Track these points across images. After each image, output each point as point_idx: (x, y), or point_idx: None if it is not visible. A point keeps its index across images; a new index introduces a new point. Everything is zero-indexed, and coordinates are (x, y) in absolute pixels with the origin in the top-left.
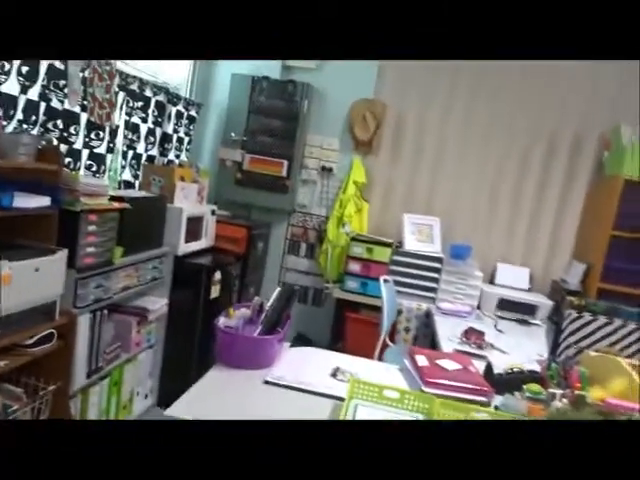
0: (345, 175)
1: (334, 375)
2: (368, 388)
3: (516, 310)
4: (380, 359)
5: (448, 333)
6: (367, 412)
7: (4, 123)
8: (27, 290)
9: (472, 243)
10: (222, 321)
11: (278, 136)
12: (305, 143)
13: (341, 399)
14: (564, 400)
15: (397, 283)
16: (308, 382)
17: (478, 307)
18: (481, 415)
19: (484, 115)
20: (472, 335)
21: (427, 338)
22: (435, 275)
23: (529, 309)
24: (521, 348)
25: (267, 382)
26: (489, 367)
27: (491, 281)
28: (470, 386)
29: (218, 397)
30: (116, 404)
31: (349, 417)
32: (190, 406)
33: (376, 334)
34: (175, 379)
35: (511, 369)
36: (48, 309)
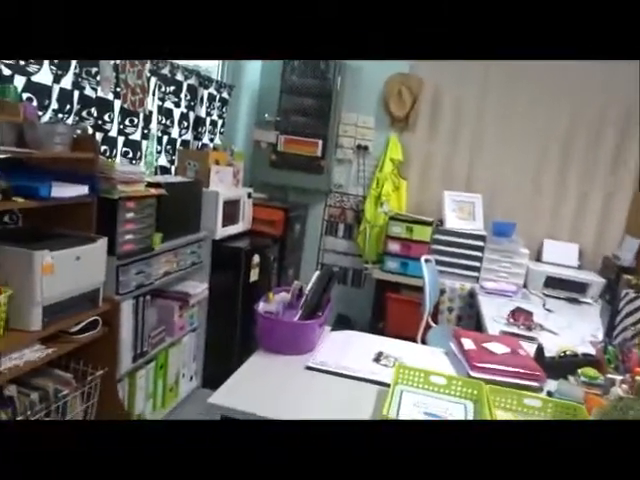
0: (381, 153)
1: (377, 360)
2: (413, 373)
3: (565, 288)
4: (423, 340)
5: (494, 314)
6: (413, 399)
7: (39, 113)
8: (69, 279)
9: (516, 220)
10: (262, 306)
11: (312, 115)
12: (339, 121)
13: (386, 385)
14: (624, 386)
15: (439, 262)
16: (351, 367)
17: (524, 286)
18: (533, 402)
19: (525, 89)
20: (520, 315)
21: (471, 319)
22: (478, 253)
23: (579, 287)
24: (573, 329)
25: (309, 367)
26: (540, 350)
27: (538, 258)
28: (521, 370)
29: (260, 384)
30: (162, 387)
31: (394, 404)
32: (232, 393)
33: (418, 314)
34: (218, 361)
35: (564, 352)
36: (91, 296)
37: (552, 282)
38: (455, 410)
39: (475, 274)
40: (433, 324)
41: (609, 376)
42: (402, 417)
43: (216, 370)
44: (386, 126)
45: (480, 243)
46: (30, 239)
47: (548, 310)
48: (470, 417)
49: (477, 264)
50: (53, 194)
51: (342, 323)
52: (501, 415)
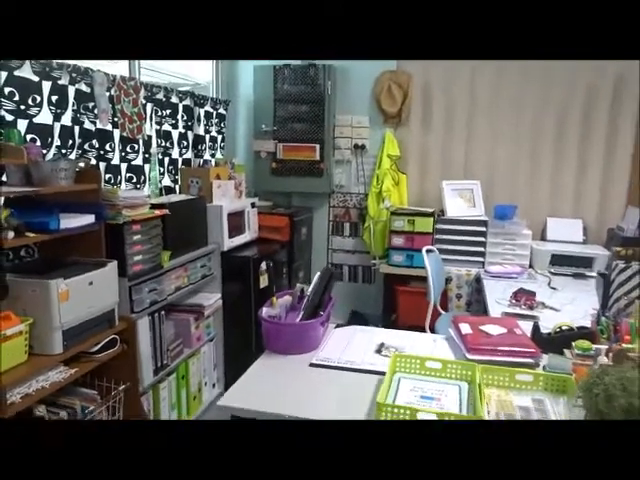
0: (378, 150)
1: (379, 351)
2: (410, 361)
3: (571, 264)
4: (432, 328)
5: (498, 296)
6: (410, 384)
7: (44, 151)
8: (85, 303)
9: (517, 202)
10: (265, 311)
11: (307, 121)
12: (334, 124)
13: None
14: (610, 355)
15: (444, 251)
16: (353, 360)
17: (531, 266)
18: (524, 377)
19: (515, 69)
20: (522, 296)
21: (480, 303)
22: (481, 239)
23: (585, 262)
24: (576, 304)
25: (313, 364)
26: (536, 327)
27: (542, 238)
28: (515, 349)
29: (265, 384)
30: (186, 396)
31: (392, 390)
32: (240, 394)
33: (427, 304)
34: (239, 366)
35: (559, 327)
36: (108, 317)
37: (558, 260)
38: (450, 391)
39: (480, 259)
40: (442, 312)
41: (597, 346)
42: (399, 402)
43: (237, 375)
44: (380, 123)
45: (482, 228)
46: (46, 269)
47: (553, 288)
48: (465, 397)
49: (481, 249)
50: (62, 226)
51: (356, 319)
52: (494, 392)
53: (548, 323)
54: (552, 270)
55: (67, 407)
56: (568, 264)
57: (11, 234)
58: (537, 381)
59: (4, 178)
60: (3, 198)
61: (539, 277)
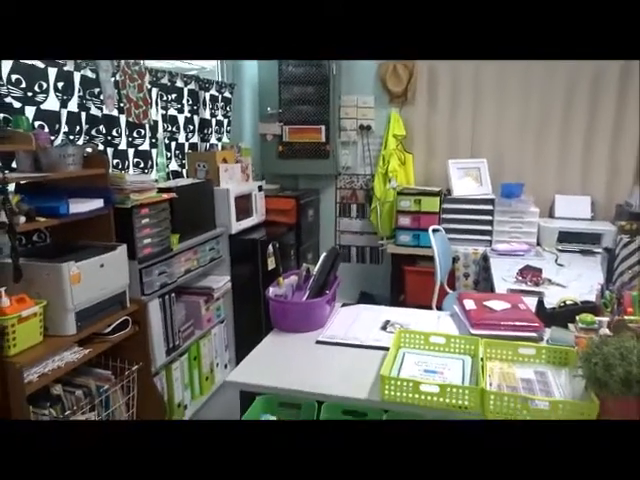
0: (384, 130)
1: (384, 328)
2: (414, 336)
3: (579, 241)
4: (439, 307)
5: (504, 274)
6: (414, 359)
7: (52, 138)
8: (96, 285)
9: (524, 180)
10: (272, 291)
11: (312, 103)
12: (340, 105)
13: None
14: (612, 326)
15: (451, 230)
16: (358, 337)
17: (538, 244)
18: (527, 351)
19: None
20: (528, 273)
21: (488, 282)
22: (488, 217)
23: (593, 238)
24: (582, 280)
25: (319, 342)
26: (540, 303)
27: (550, 215)
28: (518, 323)
29: (272, 360)
30: (198, 376)
31: (396, 365)
32: (248, 370)
33: (434, 283)
34: (249, 347)
35: (564, 302)
36: (119, 299)
37: (565, 236)
38: (453, 365)
39: (487, 238)
40: (450, 291)
41: (599, 319)
42: (403, 376)
43: None
44: (386, 103)
45: (489, 207)
46: (57, 253)
47: (560, 265)
48: (468, 371)
49: (488, 228)
50: (71, 211)
51: (365, 300)
52: (497, 365)
53: (554, 299)
54: (559, 247)
55: (82, 386)
56: (576, 241)
57: (22, 219)
58: (540, 354)
59: (14, 165)
60: (14, 184)
61: (546, 254)
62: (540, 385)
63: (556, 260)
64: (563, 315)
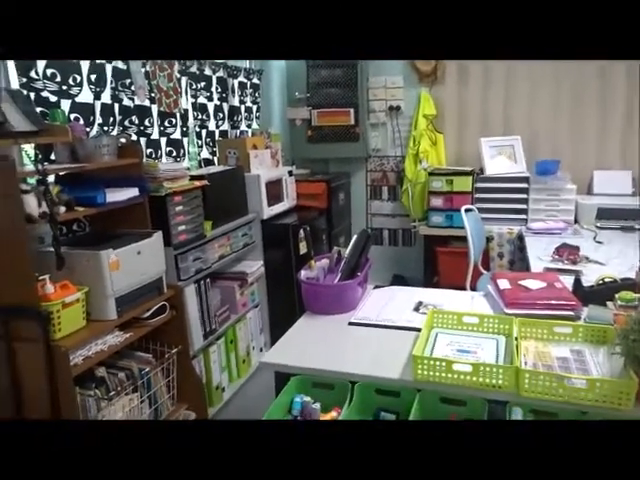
0: (414, 110)
1: (417, 309)
2: (447, 316)
3: (620, 217)
4: (473, 288)
5: (540, 253)
6: (447, 339)
7: (87, 129)
8: (134, 271)
9: (560, 156)
10: (304, 274)
11: (340, 85)
12: (368, 87)
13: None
14: None
15: (484, 210)
16: (390, 318)
17: (576, 222)
18: (563, 330)
19: None
20: (565, 251)
21: (523, 262)
22: (523, 196)
23: (634, 214)
24: (623, 257)
25: (351, 323)
26: (577, 281)
27: (589, 192)
28: (554, 302)
29: (305, 342)
30: (235, 359)
31: (429, 345)
32: (282, 352)
33: (468, 264)
34: (284, 331)
35: (602, 280)
36: (156, 285)
37: (605, 213)
38: (487, 345)
39: (523, 217)
40: (484, 271)
41: (638, 295)
42: (436, 355)
43: None
44: (415, 83)
45: (524, 185)
46: (97, 241)
47: (599, 242)
48: (502, 350)
49: (524, 206)
50: (108, 200)
51: (398, 283)
52: (532, 344)
53: (592, 277)
54: (598, 224)
55: (125, 369)
56: (616, 217)
57: (63, 209)
58: (576, 332)
59: (53, 157)
60: (53, 175)
61: (584, 232)
62: (577, 364)
63: (595, 237)
64: (602, 293)
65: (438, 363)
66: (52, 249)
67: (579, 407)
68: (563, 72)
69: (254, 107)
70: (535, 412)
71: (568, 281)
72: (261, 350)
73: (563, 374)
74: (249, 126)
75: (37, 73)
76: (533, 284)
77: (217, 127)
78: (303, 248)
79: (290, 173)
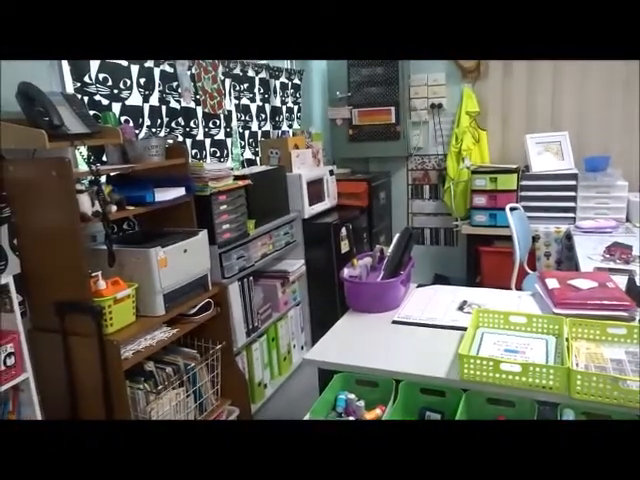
0: (456, 108)
1: (461, 308)
2: (493, 316)
3: None
4: (519, 288)
5: (590, 252)
6: (493, 339)
7: (136, 131)
8: (181, 269)
9: (611, 152)
10: (346, 272)
11: (381, 84)
12: (409, 85)
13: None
14: None
15: (530, 209)
16: (434, 317)
17: (628, 220)
18: (617, 330)
19: None
20: (617, 250)
21: (572, 261)
22: (571, 193)
23: None
24: None
25: (395, 322)
26: (631, 280)
27: None
28: (607, 302)
29: (348, 340)
30: (277, 357)
31: (475, 344)
32: (325, 349)
33: (512, 264)
34: (325, 329)
35: None
36: (202, 282)
37: None
38: (536, 345)
39: (571, 215)
40: (530, 271)
41: None
42: (482, 354)
43: None
44: (458, 80)
45: (572, 182)
46: (145, 240)
47: None
48: (552, 350)
49: (572, 204)
50: (157, 199)
51: (440, 283)
52: (583, 345)
53: None
54: None
55: (172, 364)
56: None
57: (114, 208)
58: (631, 334)
59: (104, 158)
60: (105, 176)
61: (637, 231)
62: (632, 365)
63: None
64: None
65: (485, 362)
66: (104, 247)
67: (634, 410)
68: (613, 65)
69: (295, 107)
70: (587, 414)
71: (620, 281)
72: (302, 348)
73: (618, 376)
74: (290, 126)
75: (90, 77)
76: (583, 284)
77: (259, 127)
78: (345, 247)
79: (331, 172)
